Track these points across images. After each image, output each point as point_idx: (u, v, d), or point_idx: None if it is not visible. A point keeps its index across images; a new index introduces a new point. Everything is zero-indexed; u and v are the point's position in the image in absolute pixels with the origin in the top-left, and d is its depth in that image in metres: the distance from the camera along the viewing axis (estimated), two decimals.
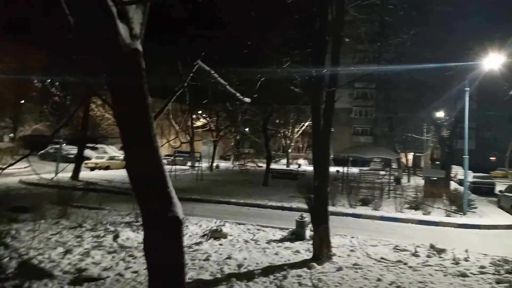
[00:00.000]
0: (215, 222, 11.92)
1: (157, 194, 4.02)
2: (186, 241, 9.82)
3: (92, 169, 31.35)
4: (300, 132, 50.14)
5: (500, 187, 25.03)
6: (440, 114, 29.38)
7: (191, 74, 4.89)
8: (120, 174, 23.67)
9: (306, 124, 45.93)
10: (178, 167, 32.19)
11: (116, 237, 9.61)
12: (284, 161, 49.69)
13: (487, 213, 17.53)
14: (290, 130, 48.63)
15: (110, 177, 24.56)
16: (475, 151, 47.95)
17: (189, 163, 38.68)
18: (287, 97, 26.09)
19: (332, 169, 28.64)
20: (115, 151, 39.58)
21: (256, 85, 7.81)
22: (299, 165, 44.26)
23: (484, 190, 27.30)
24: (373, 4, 12.67)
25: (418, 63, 21.10)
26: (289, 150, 49.66)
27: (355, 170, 32.46)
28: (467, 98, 18.12)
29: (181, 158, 38.70)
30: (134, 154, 4.03)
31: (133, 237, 9.66)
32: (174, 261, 4.11)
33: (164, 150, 38.98)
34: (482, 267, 8.62)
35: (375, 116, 57.28)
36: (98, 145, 39.23)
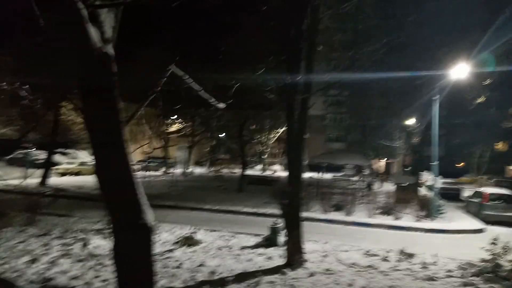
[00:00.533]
0: (188, 229, 11.79)
1: (127, 200, 3.95)
2: (158, 248, 9.66)
3: (62, 175, 30.48)
4: (275, 138, 50.44)
5: (467, 192, 25.90)
6: (411, 121, 30.27)
7: (164, 79, 4.85)
8: (91, 180, 22.97)
9: (282, 130, 46.27)
10: (151, 173, 31.79)
11: (85, 244, 9.37)
12: (259, 167, 49.82)
13: (454, 218, 18.10)
14: (265, 136, 48.84)
15: (80, 183, 23.96)
16: (444, 158, 49.45)
17: (163, 169, 38.25)
18: (263, 103, 26.22)
19: (306, 175, 28.96)
20: (86, 157, 38.64)
21: (231, 91, 7.81)
22: (275, 171, 44.48)
23: (452, 195, 28.18)
24: (347, 13, 12.99)
25: (390, 71, 21.72)
26: (265, 156, 49.85)
27: (328, 176, 32.95)
28: (436, 106, 18.76)
29: (155, 164, 38.22)
30: (103, 159, 3.95)
31: (104, 244, 9.43)
32: (144, 269, 4.04)
33: (137, 156, 38.47)
34: (449, 271, 8.88)
35: (348, 123, 58.36)
36: (69, 150, 38.16)
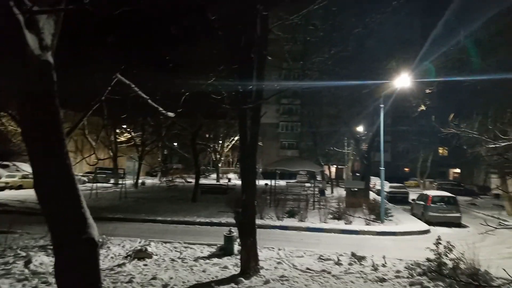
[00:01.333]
0: (140, 242, 11.41)
1: (69, 214, 3.75)
2: (108, 263, 9.28)
3: (2, 188, 28.50)
4: (230, 146, 50.38)
5: (413, 195, 27.25)
6: (359, 129, 31.48)
7: (109, 88, 4.68)
8: (34, 194, 21.73)
9: (236, 138, 46.31)
10: (100, 184, 30.50)
11: (28, 262, 8.77)
12: (214, 175, 49.45)
13: (402, 220, 18.96)
14: (220, 145, 48.64)
15: (22, 197, 22.54)
16: (391, 163, 51.93)
17: (112, 180, 36.85)
18: (216, 112, 26.15)
19: (261, 182, 29.17)
20: (29, 169, 36.37)
21: (181, 100, 7.70)
22: (229, 179, 44.31)
23: (399, 199, 29.53)
24: (296, 24, 13.33)
25: (339, 81, 22.53)
26: (219, 165, 49.58)
27: (282, 182, 33.34)
28: (382, 114, 19.63)
29: (104, 175, 36.75)
30: (43, 172, 3.73)
31: (48, 262, 8.89)
32: (89, 287, 3.85)
33: (85, 167, 36.75)
34: (398, 271, 9.26)
35: (301, 131, 59.69)
36: (10, 163, 35.72)
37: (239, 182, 9.58)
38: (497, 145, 17.44)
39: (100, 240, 8.83)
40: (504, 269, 6.41)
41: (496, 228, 4.65)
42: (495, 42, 21.71)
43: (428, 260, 9.00)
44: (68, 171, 3.70)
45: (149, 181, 41.01)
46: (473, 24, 21.44)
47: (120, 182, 29.76)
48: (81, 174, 36.39)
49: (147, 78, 10.64)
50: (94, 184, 26.23)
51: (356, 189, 23.57)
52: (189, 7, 9.38)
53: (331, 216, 18.12)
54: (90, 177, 33.62)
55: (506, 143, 16.53)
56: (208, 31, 9.81)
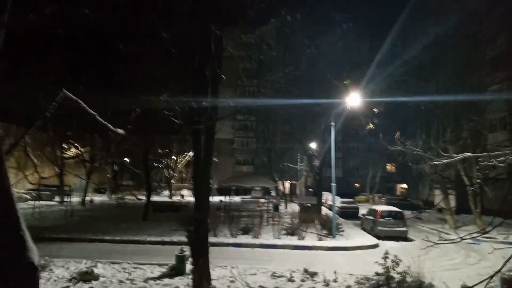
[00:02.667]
0: (85, 263, 10.85)
1: (7, 238, 3.52)
2: (50, 287, 8.73)
3: None
4: (183, 162, 49.64)
5: (363, 210, 28.14)
6: (312, 145, 32.28)
7: (54, 104, 4.49)
8: None
9: (190, 154, 45.73)
10: (44, 202, 28.80)
11: None
12: (167, 192, 48.34)
13: (352, 235, 19.49)
14: (173, 161, 47.79)
15: None
16: (342, 178, 53.51)
17: (57, 198, 34.94)
18: (170, 127, 25.69)
19: (215, 198, 28.90)
20: None
21: (132, 116, 7.54)
22: (182, 196, 43.49)
23: (350, 214, 30.36)
24: (250, 43, 13.63)
25: (291, 99, 23.12)
26: (172, 181, 48.61)
27: (237, 198, 33.27)
28: (333, 132, 20.26)
29: (48, 193, 34.76)
30: None
31: None
32: None
33: (27, 184, 34.52)
34: (348, 286, 9.47)
35: (256, 147, 60.14)
36: None
37: (192, 199, 9.44)
38: (439, 162, 18.60)
39: (42, 262, 8.32)
40: (444, 282, 6.76)
41: (437, 243, 4.93)
42: (435, 66, 23.33)
43: (377, 274, 9.29)
44: (6, 191, 3.49)
45: (98, 198, 39.26)
46: (416, 48, 22.97)
47: (65, 199, 28.27)
48: (23, 191, 34.21)
49: (97, 95, 10.30)
50: (38, 202, 24.71)
51: (309, 205, 24.00)
52: (142, 25, 9.28)
53: (284, 232, 18.26)
54: (33, 194, 31.68)
55: (447, 160, 17.66)
56: (161, 49, 9.73)
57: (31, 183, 30.97)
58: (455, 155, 17.07)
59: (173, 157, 47.33)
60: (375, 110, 22.55)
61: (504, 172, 8.29)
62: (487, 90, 27.83)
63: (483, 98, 22.98)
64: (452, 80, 22.34)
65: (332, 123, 20.08)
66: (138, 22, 9.29)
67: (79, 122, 14.57)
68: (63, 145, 34.51)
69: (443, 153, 17.56)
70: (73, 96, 4.43)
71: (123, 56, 9.99)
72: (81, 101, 4.67)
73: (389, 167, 56.94)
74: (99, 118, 5.19)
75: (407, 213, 22.03)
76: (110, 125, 5.46)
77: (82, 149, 35.36)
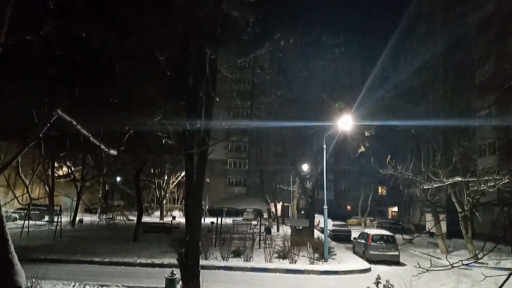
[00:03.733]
0: (73, 285, 10.58)
1: None
2: None
3: None
4: (175, 182, 49.25)
5: (355, 234, 27.97)
6: (304, 167, 32.30)
7: (48, 124, 4.46)
8: None
9: (182, 174, 45.40)
10: (33, 222, 28.26)
11: None
12: (158, 213, 47.73)
13: (344, 259, 19.30)
14: (165, 181, 47.40)
15: None
16: (334, 201, 53.51)
17: (46, 218, 34.31)
18: (162, 147, 25.63)
19: (207, 220, 28.55)
20: None
21: (123, 138, 7.53)
22: (174, 217, 42.93)
23: (342, 237, 30.14)
24: (244, 66, 13.83)
25: (284, 121, 23.30)
26: (164, 202, 48.09)
27: (229, 220, 32.94)
28: (325, 154, 20.36)
29: (37, 212, 34.16)
30: None
31: None
32: None
33: (16, 203, 33.89)
34: None
35: (248, 168, 60.01)
36: None
37: (184, 220, 9.34)
38: (430, 187, 18.70)
39: (29, 285, 8.10)
40: None
41: (428, 270, 4.92)
42: (425, 91, 23.72)
43: None
44: None
45: (88, 218, 38.61)
46: (405, 73, 23.42)
47: (55, 219, 27.69)
48: (12, 210, 33.58)
49: (90, 114, 10.30)
50: (26, 222, 24.21)
51: (301, 227, 23.78)
52: (138, 46, 9.39)
53: (276, 255, 18.03)
54: (22, 214, 31.09)
55: (437, 185, 17.77)
56: (156, 69, 9.81)
57: (20, 204, 30.50)
58: (446, 180, 17.24)
59: (165, 177, 46.95)
60: (367, 134, 22.79)
61: (494, 200, 8.32)
62: (477, 115, 28.34)
63: (471, 124, 23.35)
64: (442, 104, 22.70)
65: (324, 146, 20.19)
66: (134, 43, 9.40)
67: (72, 142, 14.50)
68: (55, 164, 34.17)
69: (433, 178, 17.73)
70: (67, 117, 4.41)
71: (118, 76, 10.05)
72: (75, 122, 4.66)
73: (380, 190, 57.03)
74: (93, 139, 5.16)
75: (399, 237, 21.95)
76: (103, 146, 5.43)
77: (73, 168, 35.00)
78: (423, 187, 18.77)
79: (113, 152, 5.79)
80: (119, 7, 8.87)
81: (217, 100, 9.45)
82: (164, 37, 8.67)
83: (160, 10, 8.71)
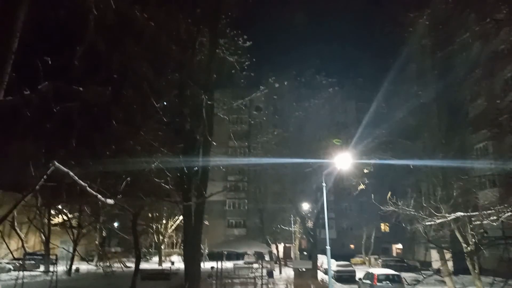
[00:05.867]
0: None
1: None
2: None
3: None
4: (174, 226, 48.48)
5: (359, 273, 27.26)
6: (304, 206, 31.99)
7: (45, 177, 4.49)
8: None
9: (181, 218, 44.73)
10: (27, 273, 27.47)
11: None
12: (156, 258, 46.63)
13: None
14: (163, 225, 46.65)
15: None
16: (336, 240, 52.48)
17: (42, 267, 33.40)
18: (160, 191, 25.43)
19: (207, 264, 27.84)
20: None
21: (121, 185, 7.53)
22: (173, 263, 41.91)
23: (346, 277, 29.33)
24: (241, 108, 14.08)
25: (281, 159, 23.36)
26: (162, 247, 47.12)
27: (229, 264, 32.15)
28: (324, 193, 20.22)
29: (32, 262, 33.30)
30: None
31: None
32: None
33: (10, 253, 33.06)
34: None
35: (248, 208, 59.32)
36: None
37: (183, 265, 9.16)
38: (432, 222, 18.45)
39: None
40: None
41: None
42: (420, 127, 23.99)
43: None
44: None
45: (84, 267, 37.62)
46: (400, 111, 23.77)
47: (51, 269, 26.95)
48: (6, 261, 32.76)
49: (87, 163, 10.37)
50: (21, 273, 23.53)
51: (304, 269, 23.22)
52: (134, 98, 9.65)
53: None
54: (17, 264, 30.29)
55: (439, 220, 17.55)
56: (153, 116, 9.98)
57: (12, 255, 29.82)
58: (448, 215, 17.05)
59: (163, 221, 46.26)
60: (365, 170, 22.79)
61: (498, 237, 8.23)
62: (474, 147, 28.49)
63: (465, 165, 23.45)
64: (439, 140, 22.90)
65: (324, 184, 20.10)
66: (130, 94, 9.64)
67: (69, 192, 14.45)
68: (51, 211, 33.73)
69: (435, 213, 17.53)
70: (64, 168, 4.45)
71: (115, 126, 10.22)
72: (72, 173, 4.68)
73: (383, 227, 56.19)
74: (89, 189, 5.17)
75: (405, 275, 21.41)
76: (100, 196, 5.42)
77: (70, 215, 34.55)
78: (425, 223, 18.52)
79: (110, 201, 5.77)
80: (115, 60, 9.18)
81: (214, 144, 9.55)
82: (160, 87, 8.89)
83: (156, 61, 8.99)
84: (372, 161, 22.07)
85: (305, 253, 40.28)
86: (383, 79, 25.17)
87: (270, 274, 28.26)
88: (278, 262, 39.27)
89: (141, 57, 9.34)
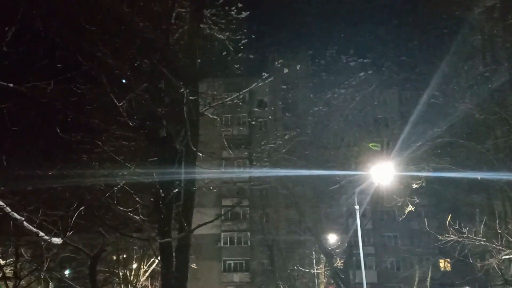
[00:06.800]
0: None
1: None
2: None
3: None
4: (148, 273, 48.38)
5: None
6: (330, 238, 31.86)
7: None
8: None
9: (158, 261, 44.61)
10: None
11: None
12: None
13: None
14: (133, 271, 46.56)
15: None
16: (377, 285, 52.27)
17: None
18: (128, 224, 25.41)
19: None
20: None
21: (72, 217, 7.53)
22: None
23: None
24: (237, 104, 14.12)
25: (296, 173, 23.33)
26: None
27: None
28: (358, 218, 20.17)
29: None
30: None
31: None
32: None
33: None
34: None
35: (251, 244, 58.98)
36: None
37: None
38: None
39: None
40: None
41: None
42: (492, 124, 23.75)
43: None
44: None
45: None
46: (463, 98, 23.60)
47: None
48: None
49: (23, 185, 10.40)
50: None
51: None
52: (87, 91, 9.71)
53: None
54: None
55: None
56: (115, 120, 10.04)
57: None
58: None
59: (133, 265, 46.16)
60: (415, 186, 22.68)
61: None
62: None
63: None
64: None
65: (357, 207, 20.05)
66: (83, 88, 9.70)
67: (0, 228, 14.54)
68: None
69: None
70: None
71: (62, 132, 10.29)
72: (5, 205, 4.71)
73: (443, 264, 55.86)
74: (27, 224, 5.20)
75: None
76: (42, 233, 5.45)
77: (1, 262, 34.54)
78: (502, 256, 18.44)
79: (57, 240, 5.79)
80: (60, 43, 9.25)
81: (201, 155, 9.60)
82: (123, 78, 8.95)
83: (117, 42, 9.05)
84: (425, 174, 21.97)
85: None
86: (435, 58, 25.11)
87: None
88: None
89: (95, 37, 9.39)
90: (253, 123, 23.50)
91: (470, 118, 23.51)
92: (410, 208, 22.27)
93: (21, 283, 34.50)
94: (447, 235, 17.14)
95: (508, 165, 21.73)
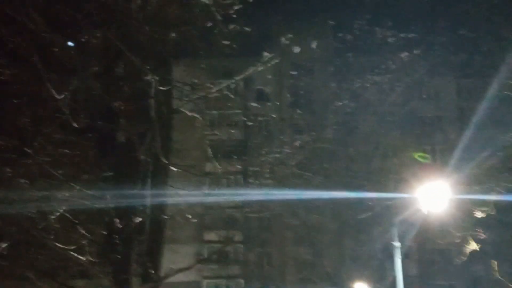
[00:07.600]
0: None
1: None
2: None
3: None
4: None
5: None
6: (357, 286, 31.94)
7: None
8: None
9: None
10: None
11: None
12: None
13: None
14: None
15: None
16: None
17: None
18: (69, 267, 25.51)
19: None
20: None
21: None
22: None
23: None
24: (227, 96, 14.11)
25: (308, 194, 23.39)
26: None
27: None
28: (399, 259, 20.20)
29: None
30: None
31: None
32: None
33: None
34: None
35: None
36: None
37: None
38: None
39: None
40: None
41: None
42: None
43: None
44: None
45: None
46: None
47: None
48: None
49: None
50: None
51: None
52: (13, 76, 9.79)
53: None
54: None
55: None
56: (54, 118, 10.10)
57: None
58: None
59: None
60: (479, 214, 22.76)
61: None
62: None
63: None
64: None
65: (397, 244, 20.10)
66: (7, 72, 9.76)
67: None
68: None
69: None
70: None
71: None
72: None
73: None
74: None
75: None
76: None
77: None
78: None
79: None
80: None
81: (175, 169, 9.65)
82: (65, 58, 8.99)
83: (55, 7, 9.10)
84: (494, 197, 22.05)
85: None
86: (509, 32, 25.19)
87: None
88: None
89: (28, 2, 9.37)
90: (250, 123, 23.42)
91: None
92: (474, 246, 22.33)
93: None
94: None
95: None
